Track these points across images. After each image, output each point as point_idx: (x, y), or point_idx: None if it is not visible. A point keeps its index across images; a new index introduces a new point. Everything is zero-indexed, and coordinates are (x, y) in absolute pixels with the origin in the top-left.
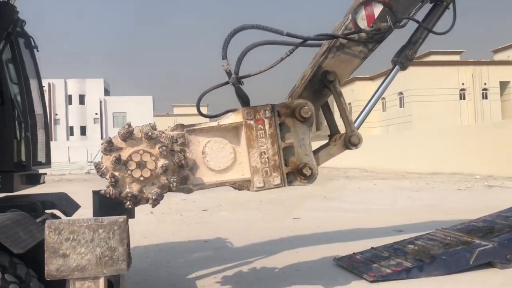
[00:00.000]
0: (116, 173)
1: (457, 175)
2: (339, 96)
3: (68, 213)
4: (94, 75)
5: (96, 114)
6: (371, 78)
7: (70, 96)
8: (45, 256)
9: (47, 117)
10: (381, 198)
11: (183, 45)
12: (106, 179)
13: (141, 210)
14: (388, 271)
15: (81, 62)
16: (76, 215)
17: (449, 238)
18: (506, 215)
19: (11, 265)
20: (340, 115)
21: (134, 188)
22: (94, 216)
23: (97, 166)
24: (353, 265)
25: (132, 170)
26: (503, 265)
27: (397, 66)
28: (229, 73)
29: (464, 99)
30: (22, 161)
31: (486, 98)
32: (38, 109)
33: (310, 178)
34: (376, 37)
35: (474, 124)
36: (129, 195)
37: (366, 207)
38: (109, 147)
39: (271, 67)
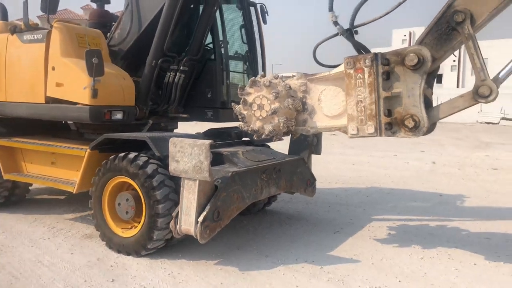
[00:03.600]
0: (244, 112)
1: None
2: (467, 40)
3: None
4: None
5: (454, 61)
6: None
7: None
8: (169, 159)
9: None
10: None
11: None
12: (237, 115)
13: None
14: None
15: None
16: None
17: None
18: None
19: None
20: (471, 60)
21: (257, 124)
22: (289, 151)
23: (233, 106)
24: None
25: (254, 110)
26: None
27: None
28: (335, 24)
29: None
30: (225, 101)
31: None
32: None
33: (415, 130)
34: None
35: None
36: (253, 129)
37: None
38: (240, 92)
39: (386, 14)
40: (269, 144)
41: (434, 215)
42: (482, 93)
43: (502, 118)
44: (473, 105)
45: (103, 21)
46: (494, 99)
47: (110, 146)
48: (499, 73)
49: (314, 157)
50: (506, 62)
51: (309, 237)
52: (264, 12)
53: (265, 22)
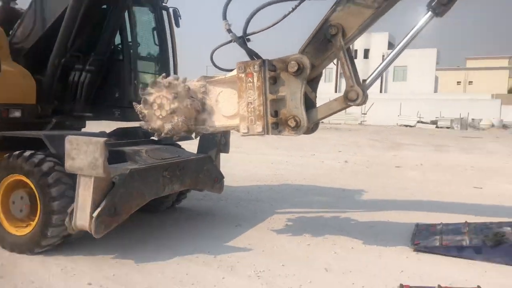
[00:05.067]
0: (145, 111)
1: None
2: (339, 50)
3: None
4: (378, 29)
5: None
6: None
7: (356, 51)
8: (65, 157)
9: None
10: None
11: None
12: (138, 114)
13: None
14: (437, 243)
15: None
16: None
17: None
18: None
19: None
20: (342, 69)
21: (157, 123)
22: (198, 150)
23: (135, 105)
24: (421, 232)
25: (155, 110)
26: None
27: (429, 13)
28: (229, 31)
29: None
30: (133, 100)
31: None
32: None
33: (296, 129)
34: None
35: None
36: (153, 128)
37: None
38: (142, 92)
39: (274, 25)
40: (180, 143)
41: (333, 208)
42: (351, 97)
43: (418, 121)
44: (345, 108)
45: (9, 18)
46: (362, 103)
47: (8, 145)
48: (366, 80)
49: (235, 156)
50: (422, 68)
51: (212, 231)
52: (177, 15)
53: (177, 25)
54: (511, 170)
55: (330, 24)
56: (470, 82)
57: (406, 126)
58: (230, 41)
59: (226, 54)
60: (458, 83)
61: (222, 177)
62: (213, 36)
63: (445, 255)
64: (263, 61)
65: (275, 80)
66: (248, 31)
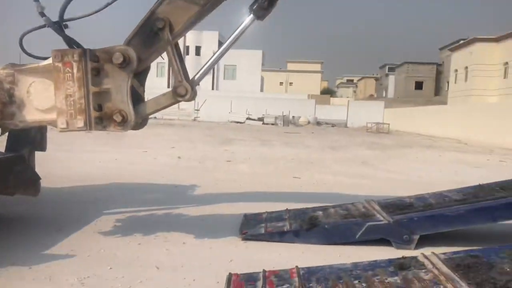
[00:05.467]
0: None
1: None
2: (167, 45)
3: None
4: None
5: None
6: (496, 40)
7: (188, 47)
8: None
9: None
10: (420, 170)
11: None
12: None
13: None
14: (262, 231)
15: None
16: None
17: (363, 210)
18: (446, 195)
19: None
20: (169, 64)
21: None
22: (6, 149)
23: None
24: (248, 221)
25: None
26: (398, 245)
27: (251, 15)
28: (42, 14)
29: None
30: None
31: None
32: None
33: (122, 124)
34: None
35: None
36: None
37: (386, 176)
38: None
39: (95, 12)
40: None
41: (165, 205)
42: (179, 92)
43: (247, 118)
44: (174, 103)
45: None
46: (191, 98)
47: None
48: (195, 76)
49: (57, 155)
50: (250, 68)
51: (27, 239)
52: None
53: None
54: (323, 161)
55: (157, 17)
56: (291, 83)
57: (237, 122)
58: (44, 26)
59: (51, 41)
60: (281, 83)
61: (39, 178)
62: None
63: (269, 241)
64: (84, 50)
65: (98, 72)
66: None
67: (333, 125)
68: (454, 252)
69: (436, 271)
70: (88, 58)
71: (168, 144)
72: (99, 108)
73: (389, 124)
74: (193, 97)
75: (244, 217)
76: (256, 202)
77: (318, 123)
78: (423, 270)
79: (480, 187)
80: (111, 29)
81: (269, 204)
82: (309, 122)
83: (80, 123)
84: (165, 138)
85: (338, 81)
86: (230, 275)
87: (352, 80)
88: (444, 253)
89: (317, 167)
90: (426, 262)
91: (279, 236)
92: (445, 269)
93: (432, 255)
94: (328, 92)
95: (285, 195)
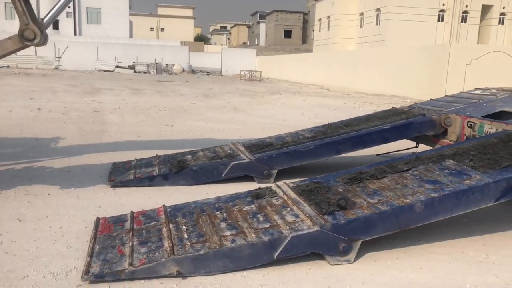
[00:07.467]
0: None
1: (393, 98)
2: None
3: None
4: None
5: (69, 7)
6: None
7: None
8: None
9: None
10: (286, 114)
11: None
12: None
13: None
14: (131, 177)
15: None
16: None
17: (229, 151)
18: (301, 133)
19: None
20: (13, 4)
21: None
22: None
23: None
24: (117, 169)
25: None
26: (259, 180)
27: None
28: None
29: (442, 21)
30: None
31: (465, 21)
32: None
33: None
34: None
35: (421, 45)
36: None
37: (256, 121)
38: None
39: None
40: None
41: (25, 158)
42: (27, 36)
43: (117, 66)
44: (23, 48)
45: None
46: (40, 43)
47: None
48: (44, 18)
49: None
50: (116, 12)
51: None
52: None
53: None
54: (196, 109)
55: None
56: (162, 29)
57: (105, 71)
58: None
59: None
60: (152, 29)
61: None
62: None
63: (138, 186)
64: None
65: None
66: None
67: (208, 73)
68: (302, 180)
69: (285, 197)
70: None
71: (26, 96)
72: None
73: (261, 72)
74: (44, 42)
75: (113, 165)
76: (126, 151)
77: (193, 71)
78: (275, 197)
79: (329, 125)
80: None
81: (140, 152)
82: (183, 70)
83: None
84: (21, 89)
85: (211, 28)
86: (98, 219)
87: (225, 27)
88: (293, 182)
89: (190, 115)
90: (278, 190)
91: (149, 180)
92: (293, 194)
93: (284, 184)
94: (201, 39)
95: (156, 143)
